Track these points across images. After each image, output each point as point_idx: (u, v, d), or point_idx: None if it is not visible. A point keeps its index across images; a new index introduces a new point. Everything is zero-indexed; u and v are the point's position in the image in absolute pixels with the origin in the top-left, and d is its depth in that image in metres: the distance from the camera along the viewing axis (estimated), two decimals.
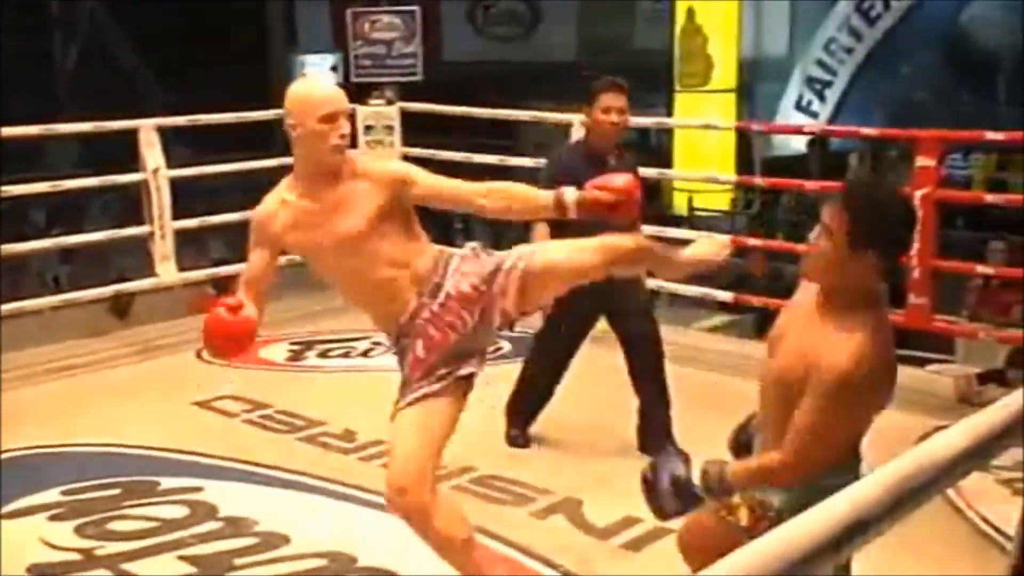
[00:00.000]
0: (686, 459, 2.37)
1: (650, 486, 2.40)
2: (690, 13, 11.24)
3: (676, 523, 3.52)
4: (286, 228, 2.75)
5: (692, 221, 9.16)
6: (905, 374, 5.44)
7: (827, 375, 2.10)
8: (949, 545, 3.48)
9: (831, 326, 2.16)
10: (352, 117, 6.40)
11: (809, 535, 0.96)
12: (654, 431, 4.11)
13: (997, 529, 3.46)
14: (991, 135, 5.61)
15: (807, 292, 2.29)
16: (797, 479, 2.18)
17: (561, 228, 3.83)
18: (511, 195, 2.80)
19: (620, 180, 2.88)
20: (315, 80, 2.74)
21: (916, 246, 4.87)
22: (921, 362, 6.17)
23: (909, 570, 3.25)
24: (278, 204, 2.77)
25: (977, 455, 1.23)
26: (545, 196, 2.81)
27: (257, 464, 4.08)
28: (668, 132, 11.17)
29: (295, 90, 2.72)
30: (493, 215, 2.89)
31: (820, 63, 12.52)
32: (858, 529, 0.98)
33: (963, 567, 3.21)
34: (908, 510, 1.08)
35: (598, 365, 4.33)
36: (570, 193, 2.80)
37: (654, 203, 11.68)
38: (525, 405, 4.27)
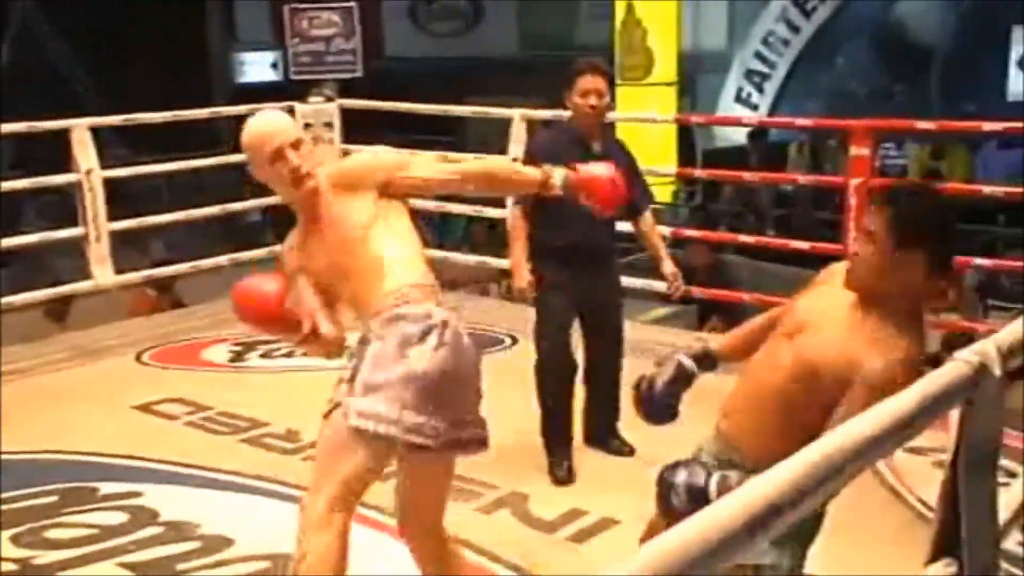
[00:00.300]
0: (680, 464, 2.33)
1: (665, 488, 2.32)
2: (630, 7, 11.30)
3: (622, 515, 3.59)
4: (300, 261, 2.71)
5: None
6: None
7: (879, 381, 2.04)
8: (889, 530, 3.55)
9: (880, 331, 2.12)
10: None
11: (723, 521, 0.98)
12: (601, 425, 4.13)
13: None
14: (922, 124, 5.73)
15: (832, 291, 2.24)
16: None
17: (539, 211, 3.87)
18: (493, 175, 2.85)
19: (601, 169, 2.90)
20: (255, 122, 2.64)
21: (852, 235, 4.95)
22: None
23: (853, 557, 3.31)
24: (292, 238, 2.77)
25: (889, 438, 1.26)
26: (531, 173, 2.86)
27: (199, 467, 4.05)
28: (610, 125, 11.23)
29: (243, 139, 2.67)
30: (477, 194, 2.92)
31: (759, 56, 12.67)
32: (772, 513, 1.01)
33: (906, 550, 3.27)
34: (823, 494, 1.11)
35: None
36: (557, 174, 2.81)
37: None
38: (557, 430, 4.04)
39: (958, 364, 1.52)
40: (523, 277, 3.93)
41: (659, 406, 2.53)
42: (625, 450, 4.12)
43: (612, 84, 3.88)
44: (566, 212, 3.72)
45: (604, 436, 4.16)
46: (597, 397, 4.14)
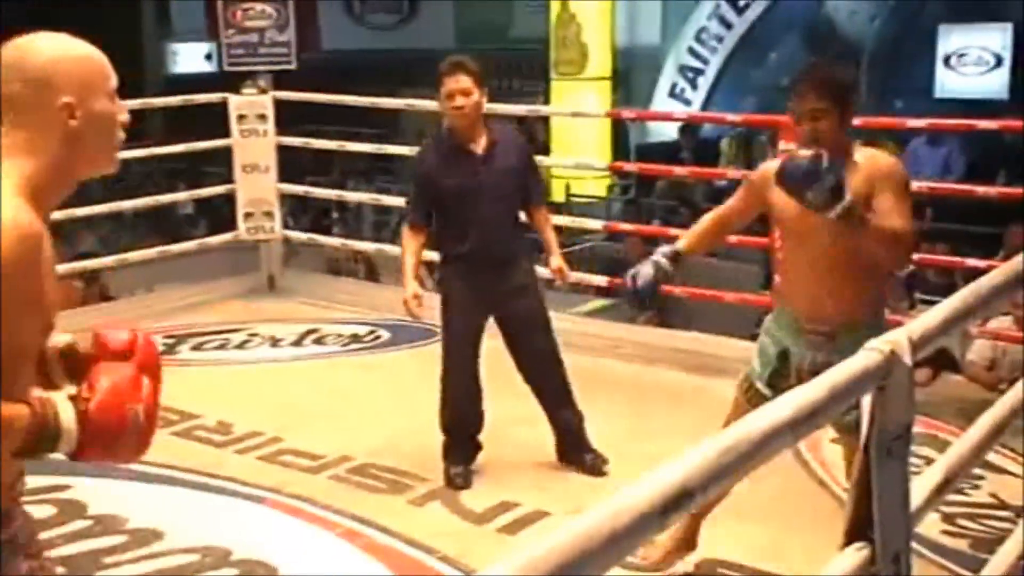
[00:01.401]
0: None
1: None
2: (564, 3, 11.36)
3: (552, 507, 3.63)
4: None
5: (570, 207, 9.27)
6: None
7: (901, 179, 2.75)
8: (814, 517, 3.61)
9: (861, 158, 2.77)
10: (225, 106, 6.36)
11: (637, 503, 1.01)
12: (568, 441, 3.99)
13: None
14: None
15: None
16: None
17: (441, 221, 3.85)
18: None
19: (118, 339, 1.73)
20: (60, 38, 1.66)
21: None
22: None
23: (775, 543, 3.38)
24: None
25: (800, 424, 1.30)
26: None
27: None
28: (545, 120, 11.28)
29: (63, 50, 1.63)
30: None
31: (692, 51, 12.79)
32: (684, 496, 1.04)
33: (830, 537, 3.34)
34: (735, 478, 1.15)
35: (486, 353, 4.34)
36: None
37: None
38: (458, 435, 3.91)
39: (870, 352, 1.57)
40: (408, 291, 3.76)
41: (644, 295, 2.97)
42: (600, 465, 3.93)
43: (481, 81, 3.70)
44: (467, 218, 3.76)
45: (576, 452, 3.98)
46: (552, 414, 3.97)
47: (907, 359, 1.59)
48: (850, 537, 1.63)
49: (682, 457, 1.09)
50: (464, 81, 3.67)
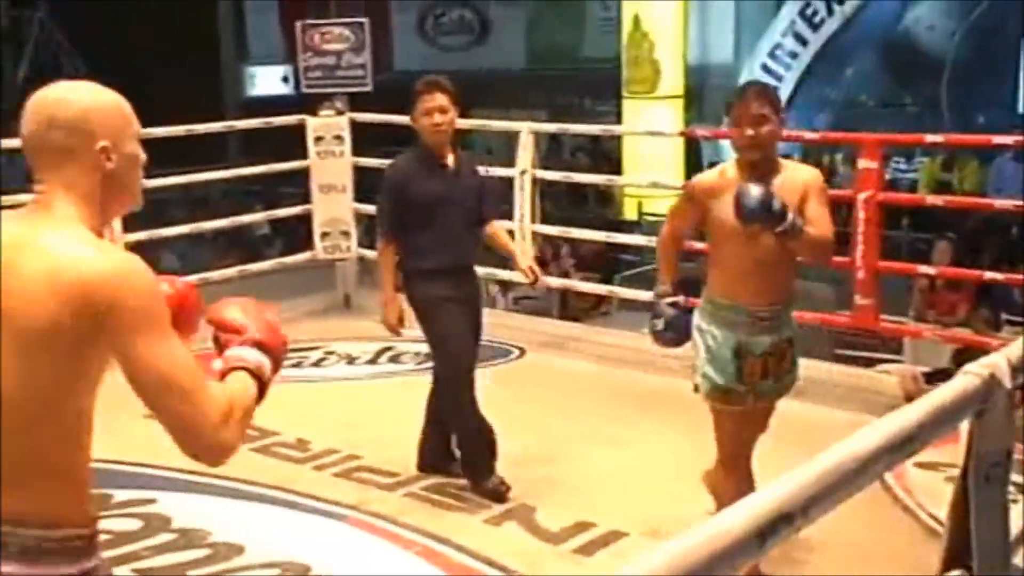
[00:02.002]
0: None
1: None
2: (637, 21, 11.33)
3: (628, 528, 3.60)
4: None
5: (642, 226, 9.23)
6: (853, 374, 5.57)
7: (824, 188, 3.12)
8: (902, 547, 3.54)
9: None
10: (302, 127, 6.46)
11: (734, 528, 0.99)
12: (438, 449, 4.06)
13: None
14: (931, 138, 5.73)
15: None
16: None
17: (408, 237, 3.87)
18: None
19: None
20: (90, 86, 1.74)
21: (860, 248, 4.95)
22: (869, 362, 6.27)
23: (864, 569, 3.31)
24: None
25: (900, 449, 1.27)
26: None
27: (210, 475, 4.06)
28: (617, 139, 11.25)
29: (95, 98, 1.71)
30: None
31: (765, 68, 12.66)
32: (782, 521, 1.02)
33: (918, 567, 3.27)
34: (832, 503, 1.12)
35: (538, 372, 4.34)
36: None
37: (606, 209, 11.78)
38: (479, 443, 3.92)
39: (969, 377, 1.53)
40: (390, 311, 3.88)
41: (673, 337, 3.26)
42: (458, 471, 4.00)
43: (456, 100, 3.87)
44: (440, 228, 3.84)
45: (443, 460, 4.07)
46: (435, 421, 4.05)
47: (1007, 382, 1.55)
48: (947, 564, 1.59)
49: (779, 481, 1.07)
50: (441, 99, 3.82)
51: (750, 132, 2.99)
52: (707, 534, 0.95)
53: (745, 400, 3.13)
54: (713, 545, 0.95)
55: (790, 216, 2.92)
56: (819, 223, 3.03)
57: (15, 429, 1.56)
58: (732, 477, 3.16)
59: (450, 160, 3.91)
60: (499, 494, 3.83)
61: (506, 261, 4.89)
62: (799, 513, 1.03)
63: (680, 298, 3.24)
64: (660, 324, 3.25)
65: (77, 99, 1.67)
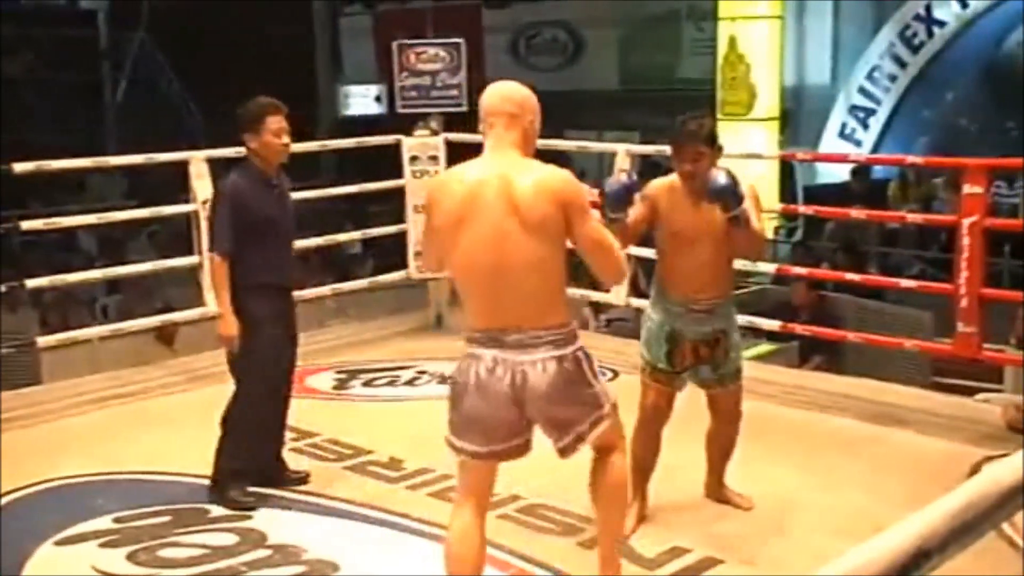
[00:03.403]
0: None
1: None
2: (732, 42, 11.24)
3: (724, 555, 3.53)
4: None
5: None
6: (954, 403, 5.44)
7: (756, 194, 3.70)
8: None
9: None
10: (398, 148, 6.51)
11: (871, 564, 0.96)
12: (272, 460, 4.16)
13: None
14: None
15: (680, 198, 3.63)
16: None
17: (243, 252, 3.93)
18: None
19: None
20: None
21: (964, 275, 4.82)
22: (970, 391, 6.10)
23: None
24: None
25: None
26: None
27: (305, 492, 4.10)
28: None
29: (520, 89, 2.98)
30: None
31: (863, 91, 12.44)
32: (923, 558, 0.98)
33: None
34: (971, 539, 1.08)
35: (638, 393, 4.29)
36: None
37: None
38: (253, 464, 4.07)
39: None
40: (231, 324, 3.92)
41: (615, 199, 3.52)
42: (300, 475, 4.16)
43: (290, 121, 4.04)
44: (275, 246, 3.97)
45: (278, 472, 4.16)
46: (277, 432, 4.17)
47: None
48: None
49: (918, 516, 1.03)
50: (285, 122, 3.99)
51: (688, 168, 3.58)
52: (846, 568, 0.92)
53: (674, 382, 3.73)
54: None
55: (745, 203, 3.49)
56: (756, 221, 3.61)
57: (532, 276, 2.76)
58: (639, 439, 3.69)
59: (276, 181, 4.04)
60: (240, 505, 3.91)
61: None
62: (937, 550, 0.99)
63: (633, 177, 3.68)
64: (607, 186, 3.58)
65: (521, 89, 2.95)
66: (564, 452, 2.99)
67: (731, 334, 3.73)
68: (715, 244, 3.59)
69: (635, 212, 3.62)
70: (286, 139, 3.98)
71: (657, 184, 3.71)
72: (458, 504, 3.02)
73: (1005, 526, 3.71)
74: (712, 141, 3.62)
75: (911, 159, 6.79)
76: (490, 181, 2.78)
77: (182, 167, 5.67)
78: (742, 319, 5.68)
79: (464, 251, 2.78)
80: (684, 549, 3.60)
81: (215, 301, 4.05)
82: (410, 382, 5.56)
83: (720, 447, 3.94)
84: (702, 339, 3.67)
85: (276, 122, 3.96)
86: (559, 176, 2.80)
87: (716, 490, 3.98)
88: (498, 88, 2.93)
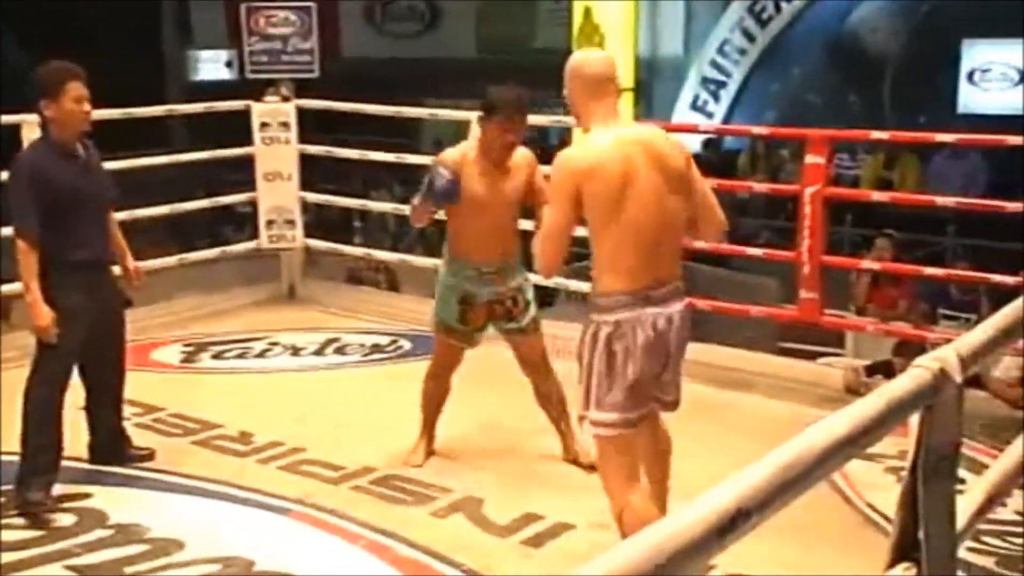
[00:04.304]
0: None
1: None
2: (587, 13, 11.33)
3: (576, 519, 3.59)
4: None
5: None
6: (796, 367, 5.63)
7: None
8: (839, 534, 3.58)
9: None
10: (247, 114, 6.34)
11: (692, 525, 0.97)
12: (114, 440, 4.06)
13: (885, 516, 3.56)
14: (877, 134, 5.78)
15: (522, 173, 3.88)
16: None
17: (50, 229, 3.67)
18: None
19: None
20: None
21: (806, 242, 4.99)
22: (811, 355, 6.34)
23: (800, 560, 3.33)
24: None
25: (854, 443, 1.26)
26: None
27: (149, 469, 3.98)
28: (567, 130, 11.24)
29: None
30: None
31: (714, 64, 12.73)
32: (741, 517, 1.00)
33: (853, 555, 3.30)
34: (790, 498, 1.11)
35: (489, 363, 4.31)
36: None
37: None
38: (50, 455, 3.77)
39: (919, 371, 1.53)
40: (45, 315, 3.62)
41: (447, 194, 3.75)
42: (144, 452, 4.08)
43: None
44: (82, 222, 3.72)
45: (119, 450, 4.05)
46: (97, 415, 4.01)
47: (957, 377, 1.55)
48: (896, 557, 1.58)
49: (737, 477, 1.05)
50: (85, 88, 3.71)
51: (512, 139, 3.77)
52: (666, 532, 0.93)
53: (468, 339, 3.96)
54: (673, 543, 0.92)
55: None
56: (544, 192, 3.60)
57: (680, 229, 2.98)
58: (429, 384, 4.05)
59: (80, 152, 3.78)
60: (36, 507, 3.63)
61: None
62: (757, 509, 1.01)
63: (455, 174, 3.77)
64: (437, 182, 3.74)
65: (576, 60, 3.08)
66: (677, 405, 3.11)
67: (525, 289, 3.97)
68: (505, 209, 3.85)
69: None
70: (87, 106, 3.70)
71: (451, 154, 3.87)
72: (629, 487, 2.98)
73: (842, 484, 3.88)
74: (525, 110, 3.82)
75: (757, 130, 6.99)
76: (634, 146, 2.88)
77: (15, 130, 5.40)
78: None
79: (630, 214, 2.84)
80: (537, 515, 3.63)
81: (24, 290, 3.69)
82: (261, 354, 5.45)
83: (553, 405, 4.03)
84: (496, 299, 3.92)
85: (76, 88, 3.67)
86: (675, 137, 3.13)
87: (572, 452, 4.04)
88: (603, 58, 3.08)
